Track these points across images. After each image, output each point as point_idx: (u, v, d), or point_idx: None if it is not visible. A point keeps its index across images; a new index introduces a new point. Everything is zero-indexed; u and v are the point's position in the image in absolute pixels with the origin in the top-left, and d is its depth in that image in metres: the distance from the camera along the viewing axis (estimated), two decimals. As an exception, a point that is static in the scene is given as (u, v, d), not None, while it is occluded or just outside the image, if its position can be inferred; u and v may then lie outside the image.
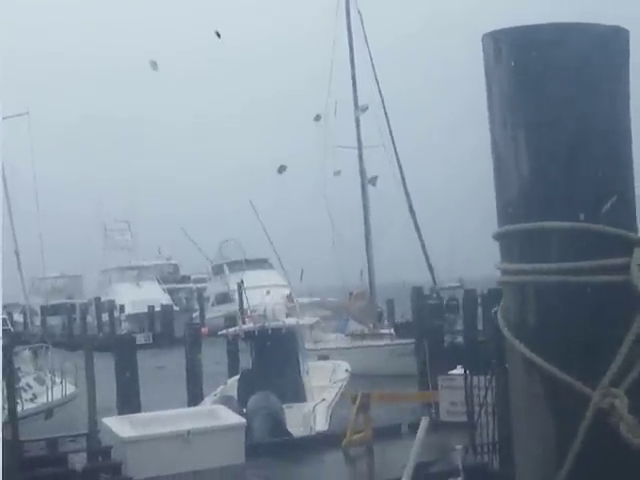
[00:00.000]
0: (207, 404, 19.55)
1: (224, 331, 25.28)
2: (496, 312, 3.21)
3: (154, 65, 31.30)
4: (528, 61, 2.92)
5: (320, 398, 20.07)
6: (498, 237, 3.08)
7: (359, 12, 43.54)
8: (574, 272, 2.87)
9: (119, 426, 14.16)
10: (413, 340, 34.13)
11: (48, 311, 71.68)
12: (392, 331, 39.08)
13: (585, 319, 2.89)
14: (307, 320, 26.81)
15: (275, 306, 26.81)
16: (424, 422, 9.10)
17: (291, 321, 23.17)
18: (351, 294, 43.58)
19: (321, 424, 18.30)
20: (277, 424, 16.83)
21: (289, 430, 17.15)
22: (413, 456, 8.41)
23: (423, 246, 39.81)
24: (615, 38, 2.93)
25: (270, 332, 21.10)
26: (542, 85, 2.89)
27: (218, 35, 30.64)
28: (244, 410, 16.59)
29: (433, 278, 38.69)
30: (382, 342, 37.69)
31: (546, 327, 2.94)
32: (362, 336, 39.56)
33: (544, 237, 2.92)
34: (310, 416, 18.50)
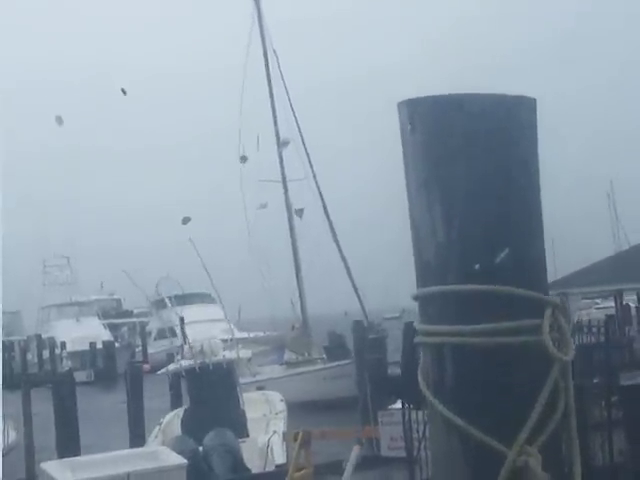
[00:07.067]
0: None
1: (164, 370, 25.01)
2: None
3: (124, 92, 31.53)
4: (440, 130, 3.02)
5: (262, 430, 20.01)
6: (416, 298, 3.17)
7: (274, 52, 44.64)
8: (489, 333, 2.96)
9: (58, 471, 13.99)
10: (346, 361, 34.73)
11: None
12: (324, 356, 39.63)
13: (500, 379, 2.98)
14: (245, 353, 26.75)
15: (212, 341, 26.69)
16: (355, 451, 9.14)
17: (231, 355, 23.06)
18: (293, 327, 43.69)
19: (279, 457, 18.34)
20: (236, 460, 16.90)
21: (247, 465, 17.27)
22: None
23: (351, 278, 40.17)
24: (522, 107, 3.04)
25: (211, 367, 20.97)
26: (451, 153, 3.00)
27: (124, 92, 31.05)
28: (200, 448, 16.53)
29: (363, 310, 39.06)
30: (315, 367, 38.13)
31: (463, 387, 3.02)
32: (296, 364, 39.89)
33: (459, 299, 3.01)
34: (267, 450, 18.49)
